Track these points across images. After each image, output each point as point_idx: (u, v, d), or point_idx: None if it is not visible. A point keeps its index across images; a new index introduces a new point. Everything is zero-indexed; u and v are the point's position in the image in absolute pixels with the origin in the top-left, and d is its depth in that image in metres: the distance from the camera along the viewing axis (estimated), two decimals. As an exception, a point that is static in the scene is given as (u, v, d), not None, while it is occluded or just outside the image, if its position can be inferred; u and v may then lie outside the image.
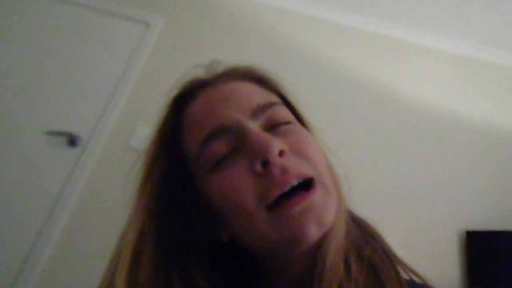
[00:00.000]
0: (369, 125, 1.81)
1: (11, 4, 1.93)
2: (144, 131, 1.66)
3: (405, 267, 0.39)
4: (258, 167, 0.36)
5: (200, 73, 0.48)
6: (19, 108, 1.71)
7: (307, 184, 0.36)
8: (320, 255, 0.36)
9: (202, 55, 1.84)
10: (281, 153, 0.36)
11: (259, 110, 0.40)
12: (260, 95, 0.42)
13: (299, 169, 0.36)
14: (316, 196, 0.36)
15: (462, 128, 1.85)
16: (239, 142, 0.38)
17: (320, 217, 0.35)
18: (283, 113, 0.42)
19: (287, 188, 0.35)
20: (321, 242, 0.37)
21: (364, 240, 0.40)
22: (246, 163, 0.37)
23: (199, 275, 0.38)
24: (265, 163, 0.36)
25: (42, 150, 1.62)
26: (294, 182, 0.35)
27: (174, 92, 0.47)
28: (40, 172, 1.59)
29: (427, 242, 1.58)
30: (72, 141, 1.63)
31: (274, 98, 0.44)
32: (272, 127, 0.40)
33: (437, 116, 1.87)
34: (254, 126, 0.39)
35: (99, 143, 1.64)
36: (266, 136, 0.37)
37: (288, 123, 0.41)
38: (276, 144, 0.36)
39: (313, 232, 0.34)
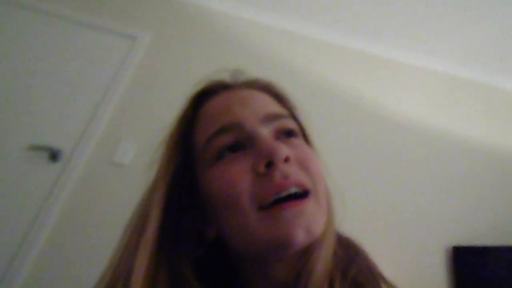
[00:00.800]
0: (355, 143, 1.83)
1: (-5, 17, 1.90)
2: (127, 146, 1.63)
3: (390, 286, 0.40)
4: (262, 167, 0.37)
5: (223, 77, 0.51)
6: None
7: (302, 196, 0.38)
8: (305, 271, 0.37)
9: (188, 70, 1.84)
10: (286, 160, 0.38)
11: (272, 118, 0.43)
12: (274, 106, 0.45)
13: (299, 177, 0.38)
14: (309, 205, 0.37)
15: (449, 146, 1.88)
16: (247, 142, 0.40)
17: (309, 225, 0.36)
18: (293, 126, 0.44)
19: (284, 193, 0.36)
20: (307, 258, 0.38)
21: (349, 260, 0.41)
22: (250, 162, 0.38)
23: (184, 264, 0.39)
24: (269, 165, 0.37)
25: (22, 165, 1.57)
26: (292, 189, 0.37)
27: (196, 88, 0.50)
28: (19, 188, 1.53)
29: (414, 258, 1.58)
30: (54, 156, 1.58)
31: (286, 113, 0.46)
32: (281, 136, 0.42)
33: (424, 134, 1.90)
34: (265, 130, 0.41)
35: (81, 158, 1.60)
36: (275, 141, 0.40)
37: (296, 136, 0.44)
38: (284, 150, 0.38)
39: (300, 237, 0.35)
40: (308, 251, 0.38)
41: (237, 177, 0.38)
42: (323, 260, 0.38)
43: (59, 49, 1.87)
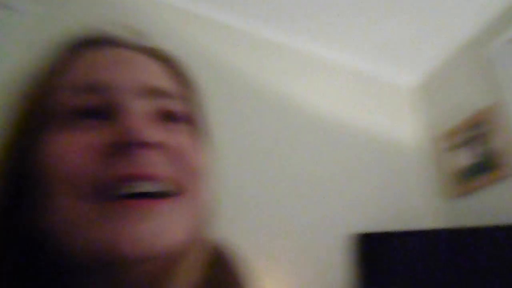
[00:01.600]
0: (255, 132, 1.75)
1: None
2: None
3: None
4: (105, 145, 0.28)
5: (121, 33, 0.39)
6: None
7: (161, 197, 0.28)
8: None
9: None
10: (148, 145, 0.28)
11: (155, 92, 0.33)
12: (164, 81, 0.35)
13: (162, 171, 0.29)
14: (165, 208, 0.28)
15: (353, 137, 1.95)
16: (112, 112, 0.30)
17: (156, 235, 0.26)
18: (179, 109, 0.35)
19: (135, 190, 0.27)
20: (160, 280, 0.29)
21: (216, 281, 0.34)
22: (99, 136, 0.29)
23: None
24: (120, 147, 0.28)
25: None
26: (147, 186, 0.27)
27: (79, 36, 0.37)
28: None
29: (315, 250, 1.57)
30: None
31: (177, 93, 0.36)
32: (160, 118, 0.33)
33: (328, 125, 1.93)
34: (139, 105, 0.31)
35: None
36: (144, 121, 0.30)
37: (180, 122, 0.34)
38: (148, 133, 0.28)
39: (135, 249, 0.25)
40: (162, 270, 0.29)
41: (71, 151, 0.28)
42: (181, 285, 0.30)
43: None
